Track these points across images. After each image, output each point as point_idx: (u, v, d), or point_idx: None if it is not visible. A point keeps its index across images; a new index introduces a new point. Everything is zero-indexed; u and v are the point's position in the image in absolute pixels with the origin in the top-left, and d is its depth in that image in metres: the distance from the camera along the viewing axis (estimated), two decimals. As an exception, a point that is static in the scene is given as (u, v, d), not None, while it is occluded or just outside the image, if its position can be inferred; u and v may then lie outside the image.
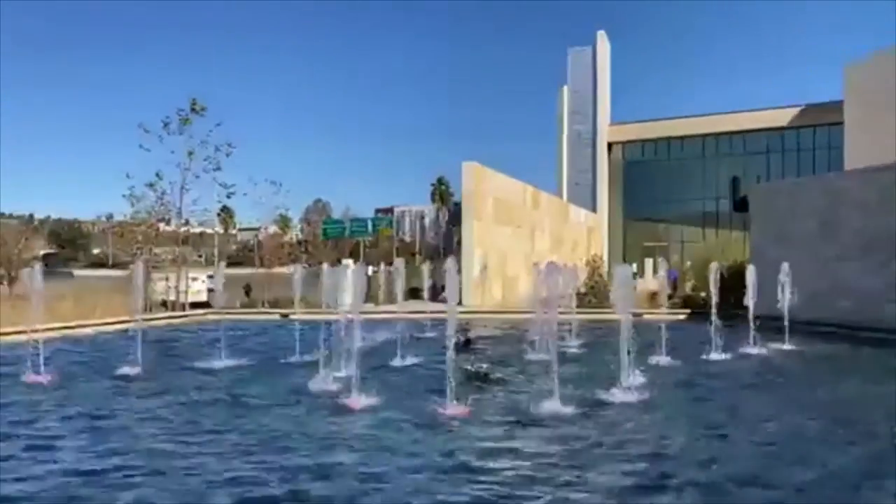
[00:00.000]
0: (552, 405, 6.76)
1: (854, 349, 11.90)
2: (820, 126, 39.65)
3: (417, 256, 76.67)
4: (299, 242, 61.13)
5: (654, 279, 29.88)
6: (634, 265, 34.57)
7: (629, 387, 7.73)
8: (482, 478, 4.79)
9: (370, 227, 60.38)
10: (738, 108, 44.37)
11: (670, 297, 20.48)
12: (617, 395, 7.42)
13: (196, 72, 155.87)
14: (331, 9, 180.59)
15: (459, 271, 17.26)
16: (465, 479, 4.79)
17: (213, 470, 4.96)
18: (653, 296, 22.46)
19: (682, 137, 45.08)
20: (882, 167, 14.41)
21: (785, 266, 12.33)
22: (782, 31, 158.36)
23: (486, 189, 23.93)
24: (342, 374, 8.33)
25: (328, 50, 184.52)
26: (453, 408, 6.58)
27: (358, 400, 6.97)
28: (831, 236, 15.05)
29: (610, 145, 46.19)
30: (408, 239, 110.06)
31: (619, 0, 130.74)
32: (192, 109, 18.57)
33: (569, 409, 6.72)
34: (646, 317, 17.11)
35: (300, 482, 4.69)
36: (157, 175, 18.53)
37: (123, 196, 19.20)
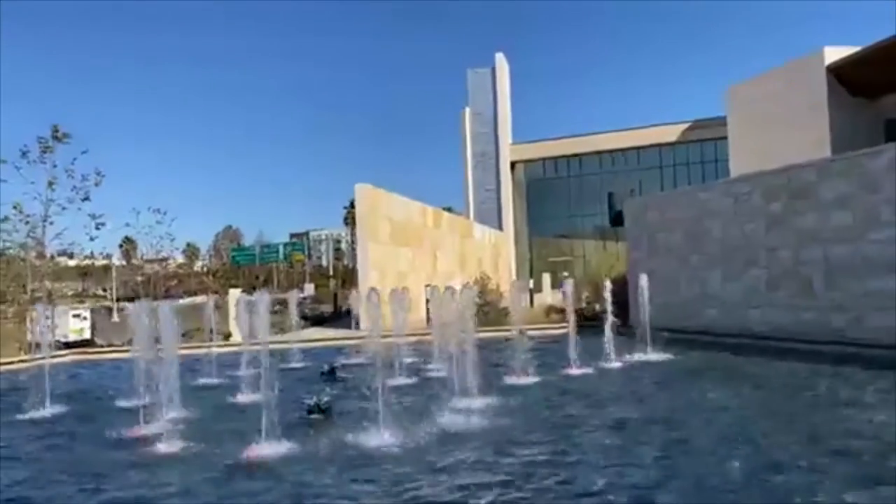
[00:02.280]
0: (377, 439, 6.48)
1: (710, 356, 12.22)
2: (707, 140, 41.75)
3: (332, 281, 75.62)
4: (208, 272, 59.23)
5: (551, 294, 30.63)
6: (531, 281, 35.39)
7: (469, 409, 7.61)
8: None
9: (282, 253, 59.18)
10: (632, 124, 46.17)
11: (561, 311, 20.85)
12: (451, 421, 7.23)
13: (90, 95, 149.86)
14: (235, 25, 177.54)
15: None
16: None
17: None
18: (549, 310, 22.96)
19: (580, 155, 46.52)
20: (736, 178, 15.09)
21: (643, 277, 12.63)
22: (672, 50, 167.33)
23: (381, 210, 23.79)
24: (173, 415, 7.87)
25: (236, 73, 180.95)
26: (259, 449, 6.22)
27: (160, 447, 6.52)
28: (697, 246, 15.62)
29: (513, 164, 47.08)
30: (324, 263, 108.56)
31: (517, 22, 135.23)
32: (55, 137, 17.54)
33: (392, 441, 6.45)
34: (530, 332, 17.41)
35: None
36: (14, 207, 17.33)
37: None
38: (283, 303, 19.37)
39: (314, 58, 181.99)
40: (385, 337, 10.62)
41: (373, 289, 17.57)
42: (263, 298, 7.64)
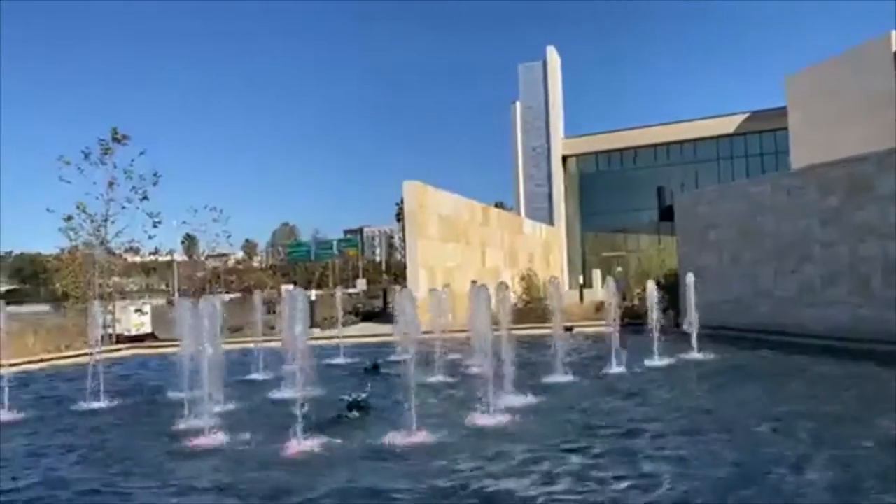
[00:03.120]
0: (412, 437, 6.57)
1: (759, 355, 11.86)
2: (766, 132, 40.43)
3: (385, 276, 76.44)
4: (271, 267, 60.76)
5: (602, 290, 30.10)
6: (581, 277, 34.99)
7: (507, 409, 7.62)
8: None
9: (336, 249, 60.14)
10: (688, 116, 45.09)
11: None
12: (484, 420, 7.27)
13: (150, 98, 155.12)
14: (287, 32, 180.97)
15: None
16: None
17: None
18: (599, 307, 22.67)
19: (634, 148, 45.69)
20: (790, 172, 14.58)
21: (690, 275, 12.35)
22: (728, 42, 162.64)
23: (429, 207, 23.90)
24: (219, 409, 8.15)
25: (292, 76, 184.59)
26: (298, 445, 6.38)
27: (203, 440, 6.76)
28: (749, 242, 15.18)
29: (565, 158, 46.58)
30: (378, 259, 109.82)
31: (568, 14, 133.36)
32: (114, 139, 18.27)
33: (431, 439, 6.53)
34: (577, 330, 17.27)
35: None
36: (78, 206, 18.14)
37: (59, 230, 18.82)
38: (270, 303, 19.48)
39: (369, 57, 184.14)
40: (425, 334, 10.77)
41: (433, 289, 17.67)
42: (299, 295, 7.78)
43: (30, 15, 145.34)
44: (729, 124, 42.75)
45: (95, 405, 9.33)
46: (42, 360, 14.44)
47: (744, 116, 42.38)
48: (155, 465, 6.17)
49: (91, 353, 10.88)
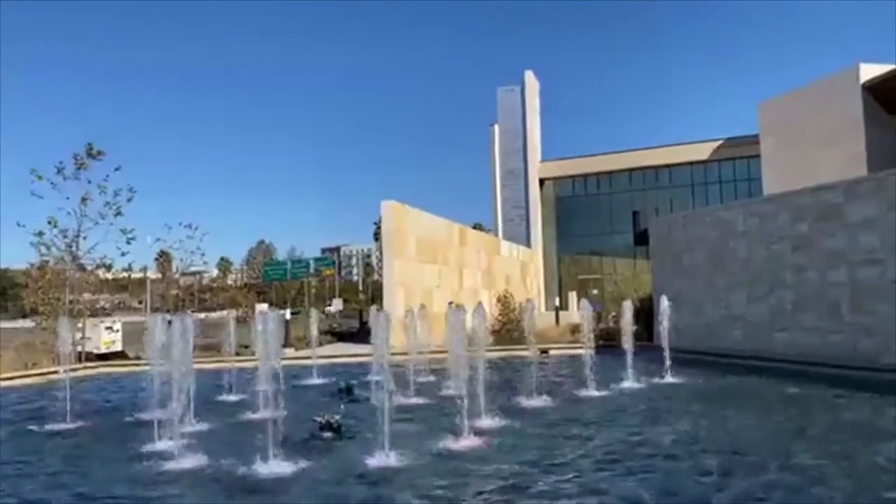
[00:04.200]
0: (383, 460, 6.50)
1: (733, 379, 11.95)
2: (739, 159, 41.16)
3: (362, 296, 76.06)
4: (246, 285, 60.11)
5: (577, 312, 30.17)
6: (557, 299, 35.12)
7: (478, 432, 7.57)
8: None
9: (312, 268, 59.74)
10: (663, 142, 45.79)
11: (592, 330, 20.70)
12: (458, 444, 7.21)
13: (124, 113, 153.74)
14: (268, 47, 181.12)
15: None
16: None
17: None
18: (574, 329, 22.75)
19: (610, 172, 46.18)
20: (762, 198, 14.84)
21: (664, 300, 12.47)
22: (701, 68, 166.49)
23: (407, 227, 23.89)
24: (190, 429, 8.01)
25: (268, 93, 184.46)
26: (265, 466, 6.27)
27: (170, 463, 6.63)
28: (722, 266, 15.37)
29: (542, 181, 46.92)
30: (355, 278, 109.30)
31: (546, 39, 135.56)
32: (89, 154, 18.03)
33: (399, 464, 6.46)
34: (552, 351, 17.33)
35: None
36: (49, 222, 17.84)
37: (31, 244, 18.46)
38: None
39: (348, 74, 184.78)
40: (397, 356, 10.70)
41: (409, 310, 17.65)
42: (270, 315, 7.69)
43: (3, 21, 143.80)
44: (703, 150, 43.45)
45: (59, 427, 9.10)
46: (6, 379, 14.08)
47: (718, 143, 43.13)
48: (121, 489, 6.02)
49: (57, 372, 10.63)
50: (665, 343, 11.95)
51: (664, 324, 12.22)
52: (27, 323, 20.21)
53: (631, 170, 45.60)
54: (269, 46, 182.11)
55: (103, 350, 21.99)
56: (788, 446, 6.93)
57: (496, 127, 47.13)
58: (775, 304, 13.90)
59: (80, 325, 19.62)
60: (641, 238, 20.75)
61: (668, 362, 11.81)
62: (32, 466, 7.09)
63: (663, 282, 16.96)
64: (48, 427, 9.02)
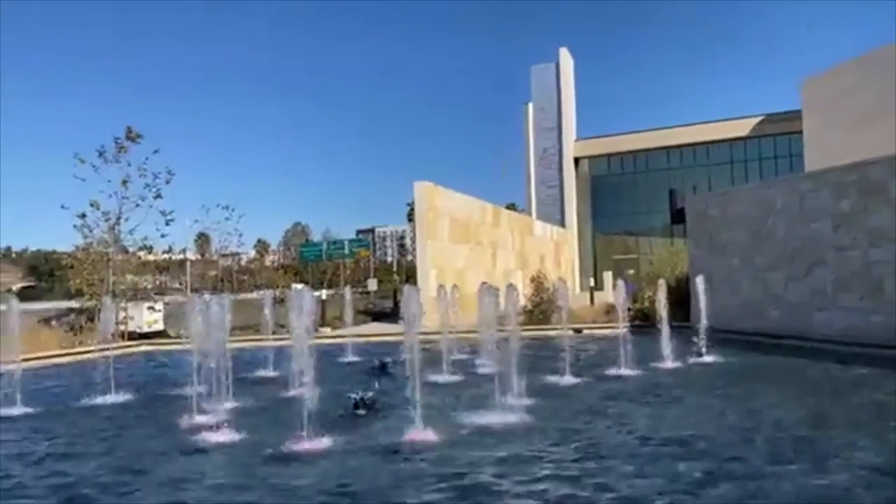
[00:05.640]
0: (419, 435, 6.60)
1: (767, 360, 11.77)
2: (780, 135, 40.13)
3: (396, 276, 76.56)
4: (283, 266, 60.99)
5: (612, 292, 29.95)
6: (591, 280, 34.88)
7: (514, 408, 7.62)
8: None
9: (347, 249, 60.32)
10: (701, 119, 44.83)
11: (629, 309, 20.54)
12: (494, 418, 7.28)
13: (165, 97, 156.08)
14: (303, 32, 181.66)
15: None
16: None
17: None
18: (609, 309, 22.59)
19: (646, 150, 45.47)
20: (803, 175, 14.49)
21: (700, 279, 12.30)
22: (742, 43, 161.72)
23: (440, 208, 23.91)
24: (226, 406, 8.23)
25: (303, 74, 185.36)
26: (306, 443, 6.42)
27: (214, 436, 6.83)
28: (760, 245, 15.09)
29: (577, 160, 46.46)
30: (390, 259, 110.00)
31: (582, 16, 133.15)
32: (128, 137, 18.43)
33: (437, 438, 6.56)
34: (586, 331, 17.29)
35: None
36: (92, 204, 18.32)
37: (74, 227, 19.00)
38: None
39: (382, 58, 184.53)
40: (430, 334, 10.79)
41: (441, 286, 17.81)
42: (305, 294, 7.80)
43: (45, 13, 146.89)
44: (743, 127, 42.47)
45: (107, 400, 9.44)
46: (55, 356, 14.62)
47: (758, 119, 42.10)
48: (163, 460, 6.24)
49: (103, 350, 11.00)
50: (703, 321, 11.83)
51: (701, 303, 12.07)
52: (73, 304, 20.81)
53: (668, 148, 44.84)
54: (305, 27, 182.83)
55: (146, 329, 22.64)
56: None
57: (530, 105, 46.73)
58: (815, 284, 13.62)
59: (123, 305, 20.21)
60: (678, 217, 20.44)
61: (703, 341, 11.70)
62: (86, 438, 7.40)
63: (700, 261, 16.72)
64: (98, 400, 9.38)
